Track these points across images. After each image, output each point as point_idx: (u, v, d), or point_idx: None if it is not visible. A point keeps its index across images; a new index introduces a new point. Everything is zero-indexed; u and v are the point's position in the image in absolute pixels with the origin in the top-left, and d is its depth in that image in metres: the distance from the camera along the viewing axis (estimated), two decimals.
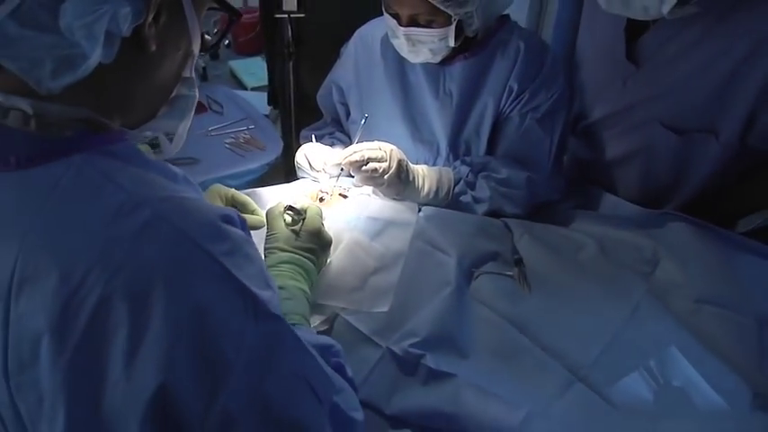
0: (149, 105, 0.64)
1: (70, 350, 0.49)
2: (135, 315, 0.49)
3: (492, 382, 0.85)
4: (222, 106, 1.89)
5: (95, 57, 0.52)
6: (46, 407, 0.52)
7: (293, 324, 0.81)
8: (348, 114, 1.43)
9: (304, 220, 0.96)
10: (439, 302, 0.96)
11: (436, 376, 0.85)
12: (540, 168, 1.25)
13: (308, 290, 0.90)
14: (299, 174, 1.29)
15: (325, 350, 0.75)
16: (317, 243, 0.96)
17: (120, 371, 0.49)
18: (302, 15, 1.48)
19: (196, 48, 0.63)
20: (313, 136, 1.33)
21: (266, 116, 2.09)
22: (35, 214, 0.51)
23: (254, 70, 2.76)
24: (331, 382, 0.66)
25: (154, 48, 0.57)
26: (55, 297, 0.49)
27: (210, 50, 0.59)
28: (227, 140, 1.76)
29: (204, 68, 2.44)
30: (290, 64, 1.58)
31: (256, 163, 1.68)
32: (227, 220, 0.57)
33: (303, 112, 1.67)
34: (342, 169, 1.18)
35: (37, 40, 0.50)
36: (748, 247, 1.12)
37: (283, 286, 0.87)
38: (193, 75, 0.66)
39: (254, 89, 2.58)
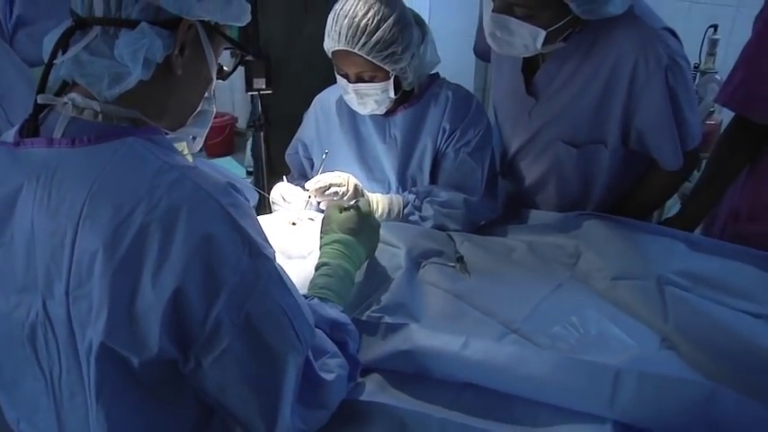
0: (180, 115, 0.86)
1: (116, 262, 0.68)
2: (164, 239, 0.68)
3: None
4: None
5: (136, 74, 0.75)
6: (93, 313, 0.69)
7: (323, 298, 0.97)
8: (312, 166, 1.67)
9: (355, 209, 1.15)
10: (394, 280, 1.16)
11: (393, 329, 1.02)
12: (475, 192, 1.48)
13: (352, 270, 1.07)
14: (274, 208, 1.51)
15: (336, 325, 0.92)
16: (366, 227, 1.14)
17: (149, 279, 0.68)
18: (270, 92, 1.77)
19: (214, 75, 0.86)
20: (284, 177, 1.56)
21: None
22: (99, 172, 0.71)
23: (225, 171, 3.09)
24: (311, 329, 0.82)
25: (180, 72, 0.78)
26: (109, 224, 0.68)
27: (226, 78, 0.83)
28: None
29: None
30: (261, 134, 1.85)
31: None
32: (234, 188, 0.77)
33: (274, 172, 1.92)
34: (309, 198, 1.41)
35: (99, 63, 0.75)
36: (646, 229, 1.38)
37: (328, 263, 1.05)
38: (212, 95, 0.89)
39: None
